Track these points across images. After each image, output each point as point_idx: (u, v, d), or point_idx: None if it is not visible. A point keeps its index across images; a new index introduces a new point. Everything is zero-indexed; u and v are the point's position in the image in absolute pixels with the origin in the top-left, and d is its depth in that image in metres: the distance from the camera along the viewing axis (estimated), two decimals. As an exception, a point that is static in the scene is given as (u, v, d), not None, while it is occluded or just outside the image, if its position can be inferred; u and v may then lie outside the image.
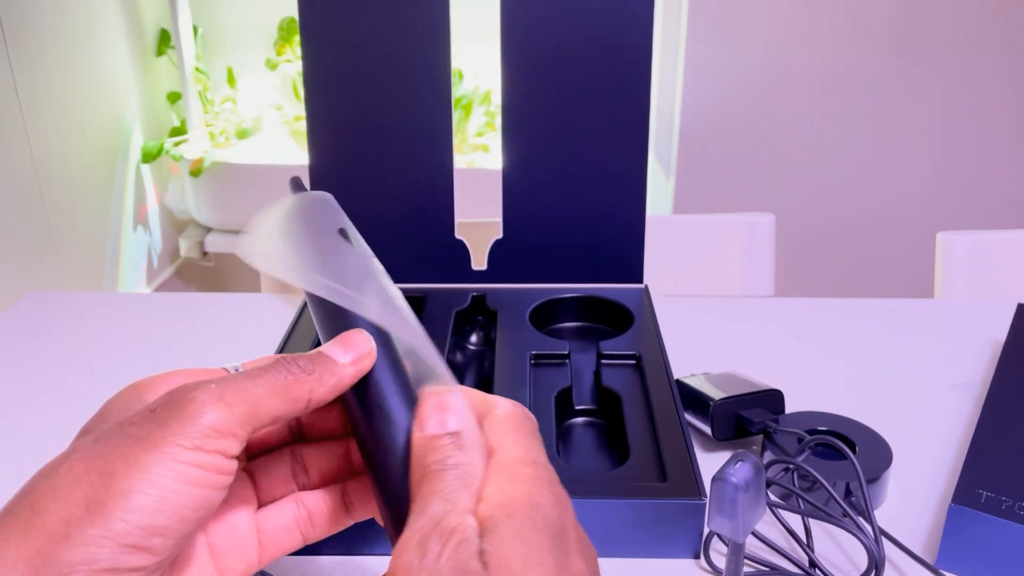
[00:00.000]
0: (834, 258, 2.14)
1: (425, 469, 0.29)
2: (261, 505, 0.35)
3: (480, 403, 0.32)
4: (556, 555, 0.26)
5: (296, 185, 0.37)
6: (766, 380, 0.63)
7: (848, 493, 0.53)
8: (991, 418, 0.59)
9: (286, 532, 0.34)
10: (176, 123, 2.21)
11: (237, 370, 0.32)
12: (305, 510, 0.35)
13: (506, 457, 0.29)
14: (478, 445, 0.30)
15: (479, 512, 0.27)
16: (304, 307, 0.75)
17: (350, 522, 0.35)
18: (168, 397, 0.28)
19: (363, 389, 0.32)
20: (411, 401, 0.32)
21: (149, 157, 2.09)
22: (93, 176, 1.93)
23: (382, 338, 0.33)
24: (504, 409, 0.32)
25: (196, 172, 2.06)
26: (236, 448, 0.28)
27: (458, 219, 0.79)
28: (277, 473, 0.35)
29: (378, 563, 0.52)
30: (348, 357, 0.31)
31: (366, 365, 0.31)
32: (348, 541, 0.52)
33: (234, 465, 0.28)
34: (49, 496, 0.25)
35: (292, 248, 0.33)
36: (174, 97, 2.21)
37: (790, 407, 0.63)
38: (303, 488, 0.35)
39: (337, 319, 0.33)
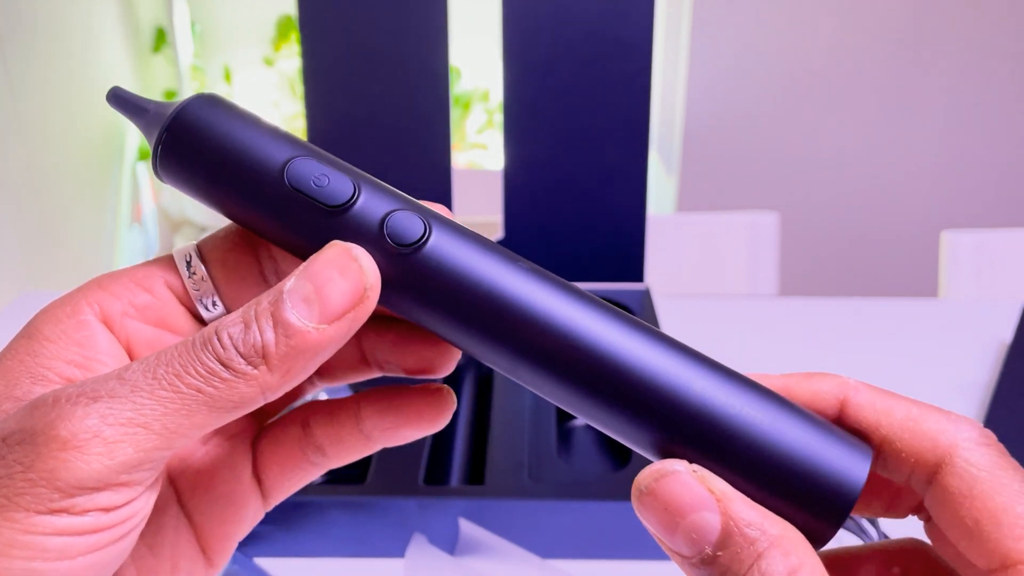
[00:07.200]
0: (838, 257, 2.13)
1: None
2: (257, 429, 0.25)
3: None
4: None
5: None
6: (770, 381, 0.62)
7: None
8: (997, 419, 0.58)
9: (292, 465, 0.24)
10: (173, 121, 2.21)
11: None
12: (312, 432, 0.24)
13: None
14: None
15: None
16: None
17: (371, 449, 0.25)
18: (28, 417, 0.18)
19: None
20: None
21: (145, 156, 2.09)
22: (88, 175, 1.92)
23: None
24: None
25: (193, 171, 2.05)
26: (128, 496, 0.19)
27: (458, 219, 0.79)
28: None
29: (379, 563, 0.51)
30: (321, 314, 0.19)
31: (361, 315, 0.20)
32: (348, 541, 0.51)
33: (136, 509, 0.19)
34: None
35: None
36: (171, 95, 2.21)
37: (795, 408, 0.62)
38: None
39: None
